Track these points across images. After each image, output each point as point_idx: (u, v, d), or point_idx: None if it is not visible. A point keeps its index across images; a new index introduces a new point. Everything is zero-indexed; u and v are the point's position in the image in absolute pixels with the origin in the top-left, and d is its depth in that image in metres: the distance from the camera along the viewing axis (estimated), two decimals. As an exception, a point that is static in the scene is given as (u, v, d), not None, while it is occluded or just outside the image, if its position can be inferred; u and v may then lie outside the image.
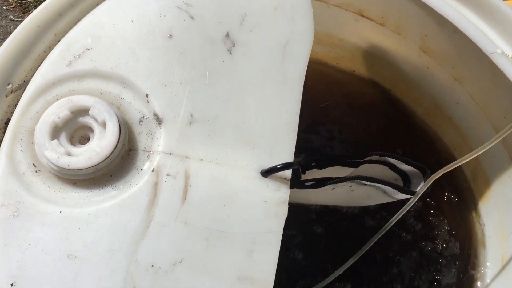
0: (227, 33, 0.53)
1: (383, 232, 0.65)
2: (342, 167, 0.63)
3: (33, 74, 0.51)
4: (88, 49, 0.51)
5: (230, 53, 0.53)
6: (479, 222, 0.82)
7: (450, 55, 0.70)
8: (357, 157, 0.64)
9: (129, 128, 0.50)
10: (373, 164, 0.64)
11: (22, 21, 0.54)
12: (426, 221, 0.86)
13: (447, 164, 0.58)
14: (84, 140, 0.50)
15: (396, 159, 0.61)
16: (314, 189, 0.59)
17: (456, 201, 0.86)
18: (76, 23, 0.54)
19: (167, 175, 0.48)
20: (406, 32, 0.75)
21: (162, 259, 0.46)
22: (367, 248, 0.66)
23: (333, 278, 0.68)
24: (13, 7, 1.77)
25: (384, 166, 0.63)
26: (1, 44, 0.53)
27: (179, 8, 0.52)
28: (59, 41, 0.53)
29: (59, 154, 0.46)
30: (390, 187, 0.59)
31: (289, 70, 0.54)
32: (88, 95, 0.49)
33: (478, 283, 0.79)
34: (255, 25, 0.53)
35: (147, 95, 0.50)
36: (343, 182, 0.57)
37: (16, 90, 0.53)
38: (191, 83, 0.51)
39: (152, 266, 0.45)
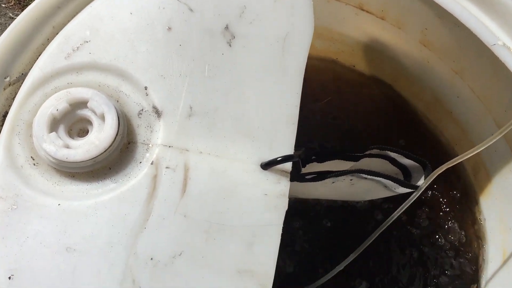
0: (227, 25, 0.52)
1: (384, 228, 0.64)
2: (342, 161, 0.63)
3: (31, 67, 0.51)
4: (87, 42, 0.50)
5: (230, 45, 0.52)
6: (480, 217, 0.82)
7: (451, 48, 0.70)
8: (357, 151, 0.63)
9: (128, 121, 0.50)
10: (373, 158, 0.63)
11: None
12: (427, 215, 0.85)
13: (448, 159, 0.57)
14: (83, 133, 0.49)
15: (396, 153, 0.61)
16: (314, 183, 0.58)
17: (457, 196, 0.85)
18: (74, 15, 0.53)
19: (167, 168, 0.48)
20: (406, 25, 0.74)
21: (162, 252, 0.45)
22: (367, 244, 0.66)
23: (332, 275, 0.68)
24: (12, 5, 1.76)
25: (384, 160, 0.63)
26: (0, 39, 0.52)
27: (178, 0, 0.52)
28: (57, 34, 0.52)
29: (57, 146, 0.46)
30: (390, 181, 0.59)
31: (289, 62, 0.53)
32: (87, 87, 0.48)
33: (480, 278, 0.78)
34: (255, 18, 0.53)
35: (146, 88, 0.50)
36: (343, 175, 0.57)
37: (14, 83, 0.52)
38: (191, 76, 0.51)
39: (152, 259, 0.45)
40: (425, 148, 0.87)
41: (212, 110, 0.50)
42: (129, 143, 0.49)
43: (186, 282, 0.45)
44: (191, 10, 0.52)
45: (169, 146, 0.49)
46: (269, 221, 0.48)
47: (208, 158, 0.49)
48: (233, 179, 0.49)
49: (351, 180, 0.62)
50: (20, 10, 1.75)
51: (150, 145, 0.49)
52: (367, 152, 0.62)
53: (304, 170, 0.57)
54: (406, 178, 0.62)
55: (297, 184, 0.56)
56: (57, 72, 0.50)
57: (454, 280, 0.80)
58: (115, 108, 0.47)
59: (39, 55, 0.51)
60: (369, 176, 0.58)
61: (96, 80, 0.50)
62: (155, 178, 0.48)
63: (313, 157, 0.59)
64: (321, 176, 0.56)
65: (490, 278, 0.76)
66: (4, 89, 0.52)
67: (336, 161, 0.63)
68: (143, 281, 0.44)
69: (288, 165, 0.51)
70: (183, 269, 0.45)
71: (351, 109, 0.92)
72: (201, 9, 0.52)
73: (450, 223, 0.84)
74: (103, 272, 0.44)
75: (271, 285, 0.46)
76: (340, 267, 0.67)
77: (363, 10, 0.77)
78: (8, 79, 0.52)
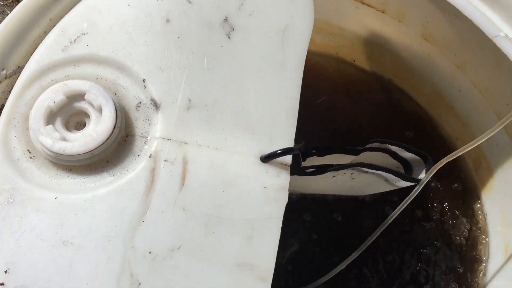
0: (226, 17, 0.52)
1: (387, 224, 0.64)
2: (342, 155, 0.63)
3: (28, 60, 0.50)
4: (84, 34, 0.50)
5: (229, 37, 0.52)
6: (481, 212, 0.81)
7: (452, 41, 0.69)
8: (358, 145, 0.63)
9: (126, 113, 0.49)
10: (374, 152, 0.63)
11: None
12: (427, 211, 0.85)
13: (449, 154, 0.57)
14: (80, 126, 0.49)
15: (397, 146, 0.60)
16: (315, 177, 0.58)
17: (458, 191, 0.85)
18: (71, 8, 0.52)
19: (165, 161, 0.47)
20: (407, 19, 0.74)
21: (160, 245, 0.45)
22: (371, 242, 0.66)
23: (335, 273, 0.68)
24: (10, 3, 1.76)
25: (385, 154, 0.63)
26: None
27: (176, -8, 0.51)
28: (54, 26, 0.51)
29: (54, 139, 0.45)
30: (391, 175, 0.58)
31: (289, 55, 0.53)
32: (84, 80, 0.48)
33: (482, 273, 0.78)
34: (254, 10, 0.52)
35: (144, 80, 0.49)
36: (344, 169, 0.56)
37: (10, 76, 0.52)
38: (189, 68, 0.50)
39: (150, 252, 0.44)
40: (426, 143, 0.87)
41: (211, 103, 0.50)
42: (127, 136, 0.49)
43: (185, 276, 0.44)
44: (189, 1, 0.51)
45: (168, 139, 0.48)
46: (269, 214, 0.48)
47: (207, 151, 0.49)
48: (232, 172, 0.48)
49: (351, 174, 0.61)
50: (18, 8, 1.74)
51: (148, 138, 0.49)
52: (367, 146, 0.62)
53: (304, 164, 0.56)
54: (407, 172, 0.62)
55: (297, 178, 0.55)
56: (54, 65, 0.49)
57: (456, 275, 0.80)
58: (113, 100, 0.47)
59: (36, 48, 0.51)
60: (370, 170, 0.58)
61: (94, 72, 0.49)
62: (153, 171, 0.47)
63: (313, 151, 0.59)
64: (321, 169, 0.55)
65: (493, 273, 0.75)
66: (1, 82, 0.51)
67: (337, 155, 0.62)
68: (141, 275, 0.44)
69: (288, 158, 0.50)
70: (182, 262, 0.45)
71: (351, 104, 0.92)
72: (200, 1, 0.51)
73: (452, 218, 0.84)
74: (101, 266, 0.44)
75: (271, 278, 0.46)
76: (342, 266, 0.67)
77: (363, 3, 0.76)
78: (4, 72, 0.51)
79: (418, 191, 0.59)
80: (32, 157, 0.47)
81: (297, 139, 0.52)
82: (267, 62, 0.52)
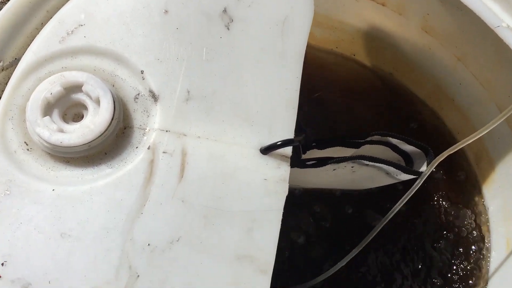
0: (225, 8, 0.51)
1: (389, 219, 0.63)
2: (343, 148, 0.62)
3: (25, 52, 0.50)
4: (81, 25, 0.49)
5: (228, 29, 0.51)
6: (483, 205, 0.81)
7: (453, 34, 0.68)
8: (359, 137, 0.62)
9: (124, 105, 0.49)
10: (375, 145, 0.62)
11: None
12: (429, 205, 0.84)
13: (450, 147, 0.56)
14: (78, 118, 0.48)
15: (398, 139, 0.60)
16: (315, 170, 0.57)
17: (459, 184, 0.84)
18: (68, -1, 0.52)
19: (164, 152, 0.47)
20: (407, 11, 0.73)
21: (159, 237, 0.44)
22: (372, 237, 0.65)
23: (335, 270, 0.67)
24: (8, 1, 1.75)
25: (385, 147, 0.62)
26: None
27: (174, -18, 0.51)
28: (51, 17, 0.51)
29: (51, 131, 0.44)
30: (392, 168, 0.58)
31: (289, 46, 0.52)
32: (82, 71, 0.47)
33: (484, 267, 0.78)
34: (254, 1, 0.52)
35: (142, 72, 0.49)
36: (344, 161, 0.56)
37: (7, 68, 0.51)
38: (188, 59, 0.50)
39: (149, 244, 0.44)
40: (427, 137, 0.86)
41: (210, 94, 0.49)
42: (125, 128, 0.48)
43: (184, 268, 0.44)
44: (188, -8, 0.51)
45: (166, 131, 0.48)
46: (269, 206, 0.47)
47: (206, 143, 0.48)
48: (231, 163, 0.48)
49: (352, 167, 0.61)
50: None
51: (147, 130, 0.48)
52: (368, 139, 0.61)
53: (304, 157, 0.56)
54: (408, 165, 0.61)
55: (297, 171, 0.55)
56: (51, 56, 0.48)
57: (457, 269, 0.79)
58: (111, 92, 0.46)
59: (33, 40, 0.50)
60: (370, 163, 0.57)
61: (91, 64, 0.49)
62: (152, 163, 0.46)
63: (314, 144, 0.58)
64: (322, 162, 0.55)
65: (495, 267, 0.75)
66: (-3, 74, 0.51)
67: (337, 148, 0.62)
68: (140, 267, 0.43)
69: (288, 150, 0.50)
70: (181, 254, 0.44)
71: (351, 98, 0.91)
72: (198, -8, 0.51)
73: (453, 212, 0.83)
74: (99, 258, 0.43)
75: (272, 271, 0.45)
76: (343, 262, 0.66)
77: (363, -4, 0.76)
78: (1, 63, 0.51)
79: (420, 184, 0.58)
80: (29, 149, 0.47)
81: (296, 132, 0.52)
82: (267, 53, 0.51)
